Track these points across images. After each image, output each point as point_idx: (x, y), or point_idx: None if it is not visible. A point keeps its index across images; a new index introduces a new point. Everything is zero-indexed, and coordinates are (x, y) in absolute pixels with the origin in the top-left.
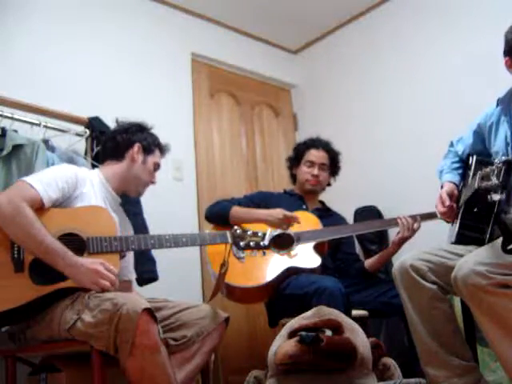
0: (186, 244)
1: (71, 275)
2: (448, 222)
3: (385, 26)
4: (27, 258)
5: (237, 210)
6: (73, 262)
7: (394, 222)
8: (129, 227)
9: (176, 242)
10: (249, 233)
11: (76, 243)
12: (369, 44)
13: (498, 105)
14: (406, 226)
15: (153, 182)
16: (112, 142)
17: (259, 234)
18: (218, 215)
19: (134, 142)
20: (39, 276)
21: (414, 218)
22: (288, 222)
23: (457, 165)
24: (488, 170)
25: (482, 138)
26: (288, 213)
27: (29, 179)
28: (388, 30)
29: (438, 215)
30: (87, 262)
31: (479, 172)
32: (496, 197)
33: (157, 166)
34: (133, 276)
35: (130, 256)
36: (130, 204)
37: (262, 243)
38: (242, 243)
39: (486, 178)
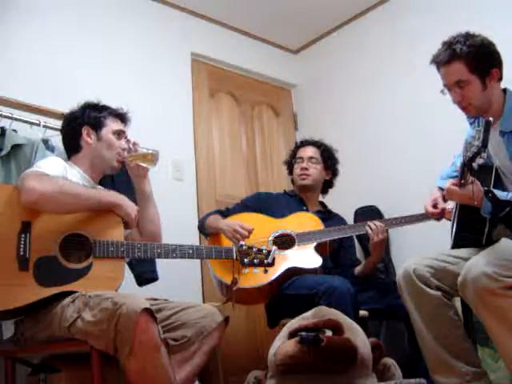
0: (191, 256)
1: (121, 205)
2: (438, 220)
3: (385, 26)
4: (33, 256)
5: (209, 221)
6: (115, 196)
7: (362, 227)
8: None
9: (182, 253)
10: (254, 249)
11: (83, 245)
12: (369, 44)
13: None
14: (375, 231)
15: (124, 149)
16: (65, 140)
17: (264, 252)
18: (201, 228)
19: (79, 128)
20: (44, 276)
21: (383, 221)
22: (241, 234)
23: (455, 174)
24: (469, 139)
25: None
26: (245, 225)
27: (26, 171)
28: (388, 30)
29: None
30: (119, 196)
31: (463, 146)
32: (480, 160)
33: (118, 133)
34: None
35: None
36: None
37: (265, 261)
38: (246, 260)
39: (469, 146)
